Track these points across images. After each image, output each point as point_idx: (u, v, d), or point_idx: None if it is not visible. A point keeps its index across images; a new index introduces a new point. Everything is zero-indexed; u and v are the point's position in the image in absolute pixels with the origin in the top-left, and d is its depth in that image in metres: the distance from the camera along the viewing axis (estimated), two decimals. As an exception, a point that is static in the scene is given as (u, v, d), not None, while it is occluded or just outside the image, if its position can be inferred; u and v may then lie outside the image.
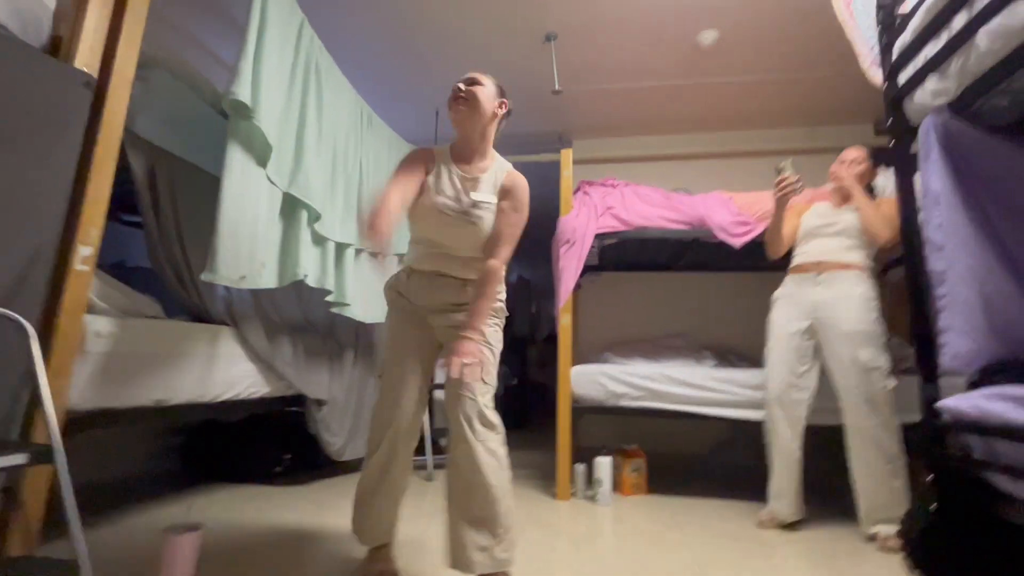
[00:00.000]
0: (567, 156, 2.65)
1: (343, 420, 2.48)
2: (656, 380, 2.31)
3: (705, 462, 2.94)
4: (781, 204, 2.05)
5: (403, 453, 1.40)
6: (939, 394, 1.35)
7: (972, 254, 1.26)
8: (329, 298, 2.17)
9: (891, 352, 1.96)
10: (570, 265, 2.45)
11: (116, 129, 1.34)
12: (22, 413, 1.14)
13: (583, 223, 2.49)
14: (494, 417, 1.29)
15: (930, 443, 1.34)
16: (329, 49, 2.11)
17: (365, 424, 2.65)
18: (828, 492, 2.11)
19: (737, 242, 2.37)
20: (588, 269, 2.79)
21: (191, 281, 1.79)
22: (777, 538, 1.84)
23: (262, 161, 1.72)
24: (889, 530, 1.73)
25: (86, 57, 1.28)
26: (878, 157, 2.15)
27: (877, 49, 1.60)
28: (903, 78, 1.46)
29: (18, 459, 0.96)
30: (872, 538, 1.79)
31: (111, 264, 2.55)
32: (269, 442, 2.57)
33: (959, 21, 1.21)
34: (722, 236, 2.38)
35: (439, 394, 2.88)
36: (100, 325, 1.38)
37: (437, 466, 2.63)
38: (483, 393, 1.28)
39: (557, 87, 2.70)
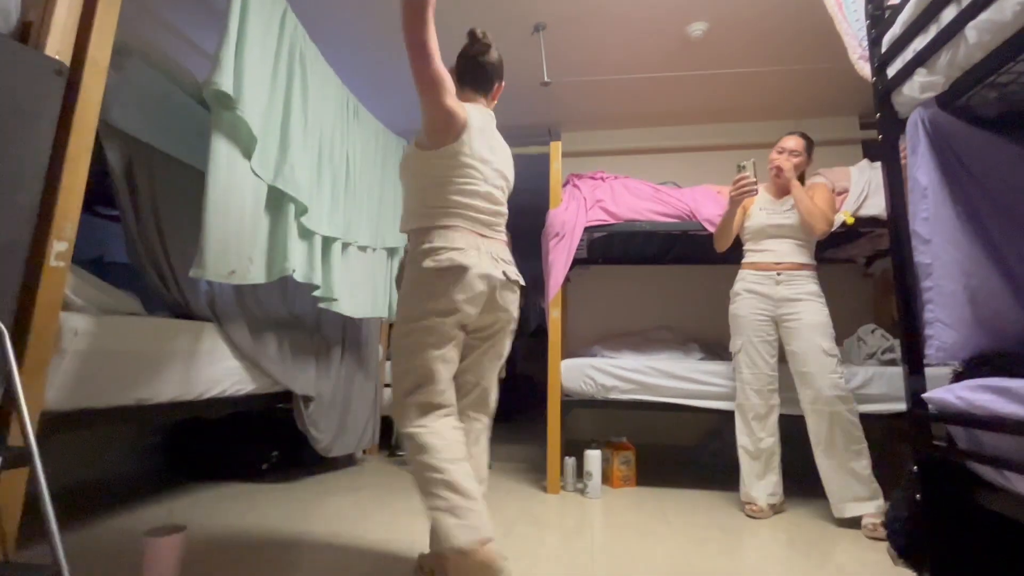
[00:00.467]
0: (556, 149, 2.64)
1: (330, 417, 2.45)
2: (645, 373, 2.33)
3: (693, 454, 2.97)
4: (735, 203, 2.09)
5: None
6: (925, 385, 1.38)
7: (959, 247, 1.27)
8: (316, 293, 2.13)
9: (874, 343, 2.01)
10: (559, 258, 2.44)
11: (91, 119, 1.28)
12: (-5, 414, 1.10)
13: (572, 216, 2.48)
14: None
15: (916, 433, 1.36)
16: (313, 38, 2.06)
17: (353, 421, 2.62)
18: (801, 479, 2.17)
19: (725, 235, 2.38)
20: (577, 262, 2.78)
21: (172, 276, 1.74)
22: (761, 527, 1.87)
23: (247, 153, 1.67)
24: (874, 518, 1.78)
25: (57, 44, 1.22)
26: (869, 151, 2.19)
27: (866, 42, 1.60)
28: (892, 71, 1.47)
29: (-8, 462, 0.92)
30: (844, 522, 1.86)
31: (89, 260, 2.48)
32: (256, 439, 2.53)
33: (948, 15, 1.21)
34: (711, 229, 2.39)
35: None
36: (77, 323, 1.33)
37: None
38: None
39: (546, 79, 2.68)
